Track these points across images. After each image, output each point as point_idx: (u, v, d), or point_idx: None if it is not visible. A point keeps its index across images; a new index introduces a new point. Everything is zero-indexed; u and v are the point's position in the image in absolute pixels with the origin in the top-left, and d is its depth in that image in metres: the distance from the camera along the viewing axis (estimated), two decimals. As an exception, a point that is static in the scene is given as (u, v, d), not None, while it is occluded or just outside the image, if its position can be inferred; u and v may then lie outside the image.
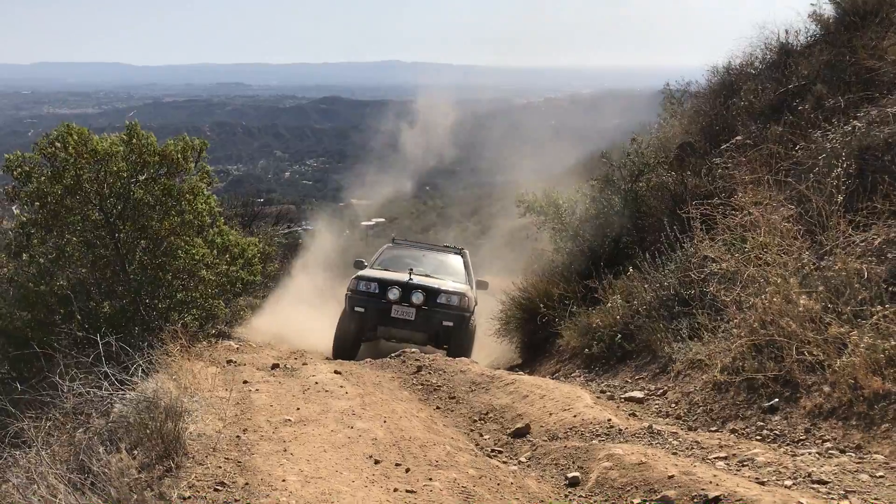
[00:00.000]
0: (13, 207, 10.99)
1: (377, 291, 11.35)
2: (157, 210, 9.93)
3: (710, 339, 6.59)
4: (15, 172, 9.63)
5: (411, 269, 11.84)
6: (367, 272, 12.03)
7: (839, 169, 6.96)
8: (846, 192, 6.84)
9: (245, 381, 6.49)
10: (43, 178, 9.55)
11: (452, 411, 6.48)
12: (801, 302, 5.83)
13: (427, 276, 11.97)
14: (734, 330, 6.29)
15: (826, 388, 5.15)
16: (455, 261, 13.34)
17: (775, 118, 10.36)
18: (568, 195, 12.50)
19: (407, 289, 11.29)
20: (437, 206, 63.18)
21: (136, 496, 3.30)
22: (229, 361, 8.26)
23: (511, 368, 10.52)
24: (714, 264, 7.00)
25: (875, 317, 5.20)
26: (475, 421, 6.12)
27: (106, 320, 9.51)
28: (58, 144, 9.54)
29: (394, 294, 11.21)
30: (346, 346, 11.24)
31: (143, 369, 6.22)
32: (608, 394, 6.97)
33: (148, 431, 4.34)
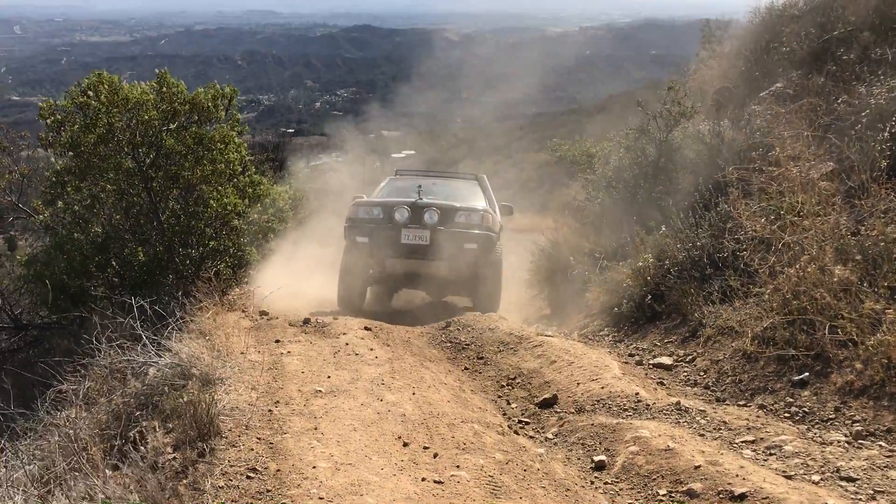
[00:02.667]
0: (49, 156, 11.09)
1: (381, 216, 9.61)
2: (189, 158, 9.97)
3: (741, 305, 6.52)
4: (48, 121, 9.73)
5: (420, 187, 10.03)
6: (367, 198, 10.44)
7: (885, 133, 6.74)
8: (891, 157, 6.64)
9: (277, 341, 6.59)
10: (76, 126, 9.61)
11: (480, 373, 6.55)
12: (837, 272, 5.74)
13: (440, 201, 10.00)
14: (766, 296, 6.21)
15: (858, 365, 5.10)
16: (471, 185, 11.46)
17: (817, 67, 10.02)
18: (602, 145, 12.28)
19: (417, 209, 9.49)
20: (468, 138, 62.62)
21: (170, 485, 3.40)
22: (262, 313, 8.37)
23: (539, 319, 10.56)
24: (749, 224, 6.87)
25: (912, 294, 5.11)
26: (503, 386, 6.18)
27: (140, 268, 9.67)
28: (90, 93, 9.58)
29: (402, 215, 9.47)
30: (354, 292, 9.85)
31: (177, 329, 6.36)
32: (636, 357, 6.97)
33: (181, 402, 4.44)
